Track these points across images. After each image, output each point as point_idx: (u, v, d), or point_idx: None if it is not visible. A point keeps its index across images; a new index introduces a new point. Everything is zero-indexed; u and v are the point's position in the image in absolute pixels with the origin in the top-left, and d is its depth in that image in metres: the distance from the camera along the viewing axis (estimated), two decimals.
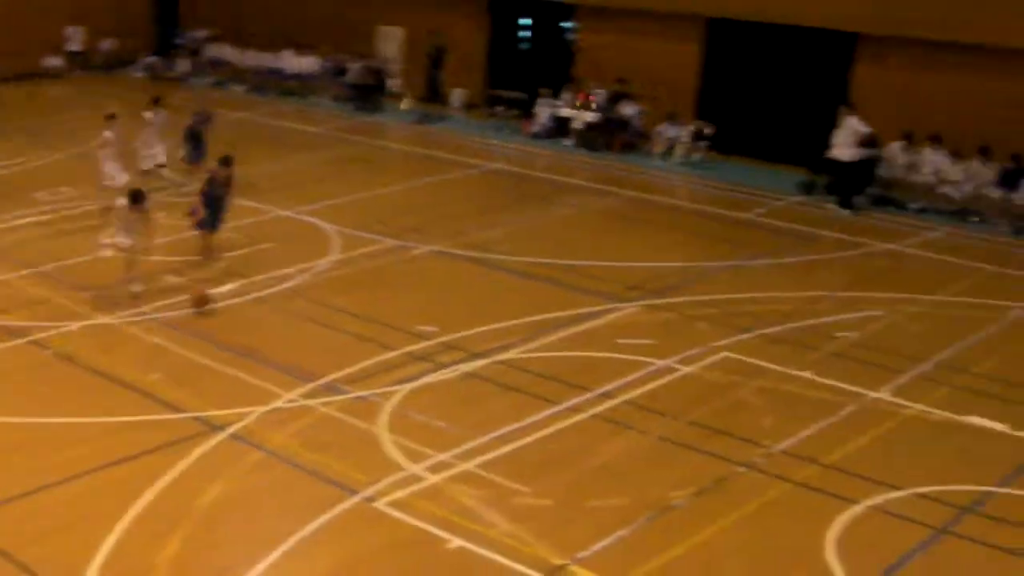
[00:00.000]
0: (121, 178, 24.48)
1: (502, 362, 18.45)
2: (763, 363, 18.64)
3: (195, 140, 27.32)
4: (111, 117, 25.13)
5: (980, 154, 27.22)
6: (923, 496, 14.88)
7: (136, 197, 20.21)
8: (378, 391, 17.24)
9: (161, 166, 26.97)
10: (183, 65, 42.82)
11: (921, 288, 22.27)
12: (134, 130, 26.35)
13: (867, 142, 27.54)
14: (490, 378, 17.86)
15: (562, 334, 19.60)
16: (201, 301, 19.97)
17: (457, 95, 38.04)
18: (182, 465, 14.97)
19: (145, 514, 13.91)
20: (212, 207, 21.98)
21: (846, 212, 27.29)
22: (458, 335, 19.20)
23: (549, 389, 17.55)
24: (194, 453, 15.27)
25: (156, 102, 27.44)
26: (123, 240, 20.18)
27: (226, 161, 22.30)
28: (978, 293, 22.23)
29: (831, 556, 13.64)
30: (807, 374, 18.35)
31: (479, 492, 14.68)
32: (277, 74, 40.89)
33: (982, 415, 17.08)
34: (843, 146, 27.46)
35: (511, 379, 17.87)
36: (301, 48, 40.40)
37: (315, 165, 30.21)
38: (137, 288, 20.28)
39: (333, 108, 38.30)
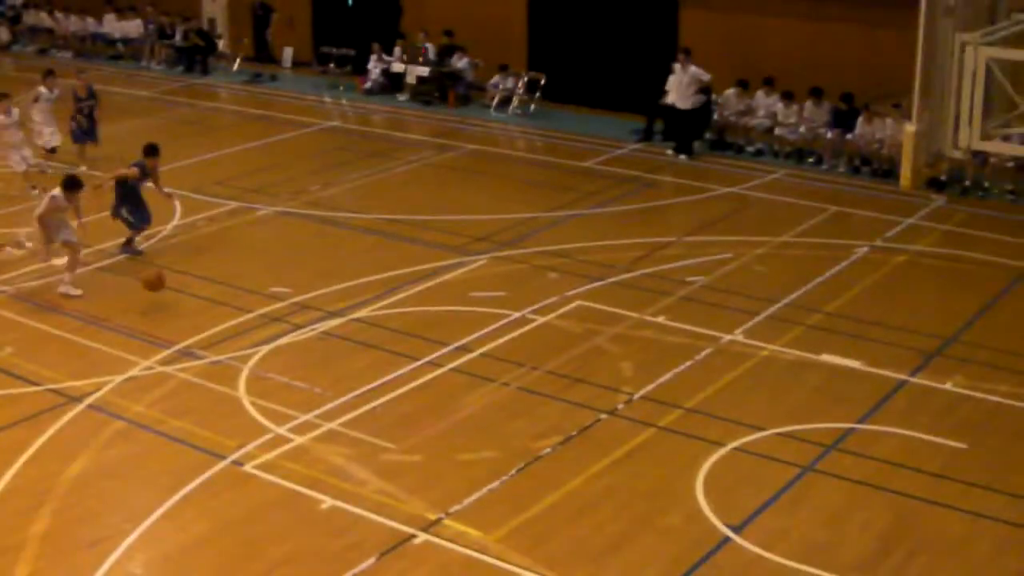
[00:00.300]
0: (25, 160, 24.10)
1: (358, 320, 18.36)
2: (617, 310, 18.79)
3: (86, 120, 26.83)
4: (4, 96, 24.29)
5: (813, 96, 27.67)
6: (786, 435, 15.16)
7: (72, 184, 19.33)
8: (236, 355, 17.06)
9: (53, 150, 26.34)
10: (3, 33, 41.52)
11: (766, 230, 22.62)
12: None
13: (704, 88, 27.82)
14: (347, 336, 17.76)
15: (415, 289, 19.55)
16: (156, 283, 18.92)
17: (287, 54, 37.52)
18: (42, 439, 14.66)
19: (9, 490, 13.64)
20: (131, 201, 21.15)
21: (684, 158, 27.55)
22: (311, 295, 19.05)
23: (407, 345, 17.50)
24: (54, 426, 14.95)
25: (49, 75, 26.83)
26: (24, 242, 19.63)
27: (152, 151, 21.43)
28: (822, 233, 22.66)
29: (701, 498, 13.83)
30: (661, 319, 18.55)
31: (346, 451, 14.63)
32: (102, 39, 39.88)
33: (835, 353, 17.45)
34: (683, 94, 27.61)
35: (368, 336, 17.79)
36: (122, 11, 39.46)
37: (147, 131, 29.49)
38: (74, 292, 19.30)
39: (162, 72, 37.53)
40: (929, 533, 13.33)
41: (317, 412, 15.49)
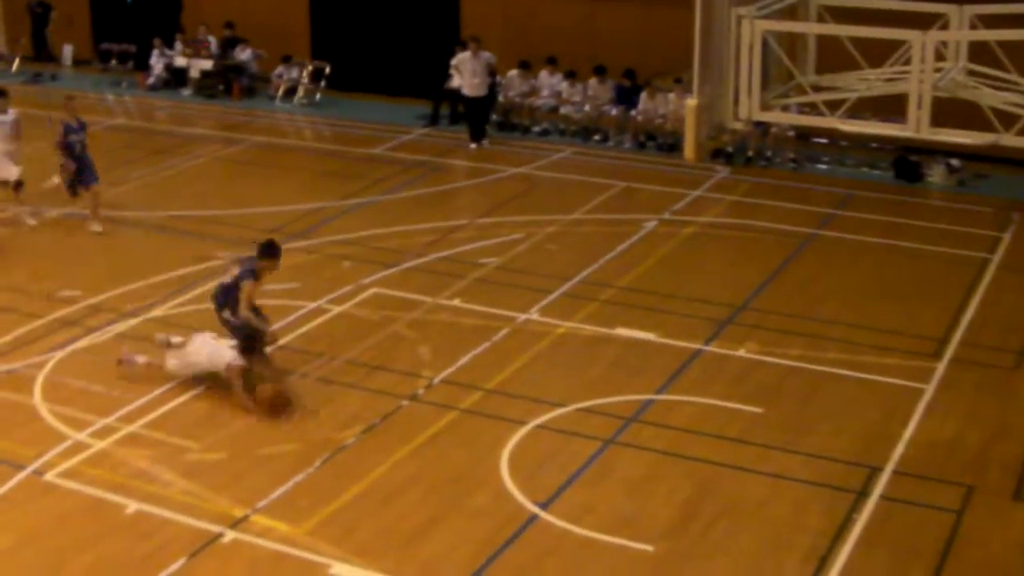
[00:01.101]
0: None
1: (154, 319, 18.06)
2: (412, 295, 18.83)
3: (77, 158, 22.22)
4: None
5: (596, 74, 28.02)
6: (587, 410, 15.38)
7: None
8: (29, 362, 16.66)
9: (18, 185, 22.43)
10: None
11: (556, 209, 22.88)
12: None
13: (490, 71, 27.94)
14: (144, 337, 17.46)
15: (209, 285, 19.24)
16: (277, 402, 15.47)
17: (67, 52, 36.62)
18: None
19: None
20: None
21: (474, 146, 27.58)
22: (104, 296, 18.68)
23: None
24: None
25: (2, 95, 22.25)
26: None
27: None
28: (611, 209, 23.01)
29: (507, 478, 13.96)
30: (456, 302, 18.65)
31: (149, 453, 14.42)
32: None
33: (630, 327, 17.75)
34: (477, 82, 27.51)
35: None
36: None
37: None
38: None
39: None
40: (731, 497, 13.66)
41: (117, 415, 15.21)
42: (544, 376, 16.39)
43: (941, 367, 16.62)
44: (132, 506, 13.37)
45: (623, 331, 17.64)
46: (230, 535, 12.89)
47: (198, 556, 12.55)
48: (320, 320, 18.10)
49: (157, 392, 15.77)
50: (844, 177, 25.34)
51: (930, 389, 16.00)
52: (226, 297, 15.61)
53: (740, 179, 24.93)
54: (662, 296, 18.86)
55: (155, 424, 15.05)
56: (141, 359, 16.12)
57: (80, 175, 22.10)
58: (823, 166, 25.98)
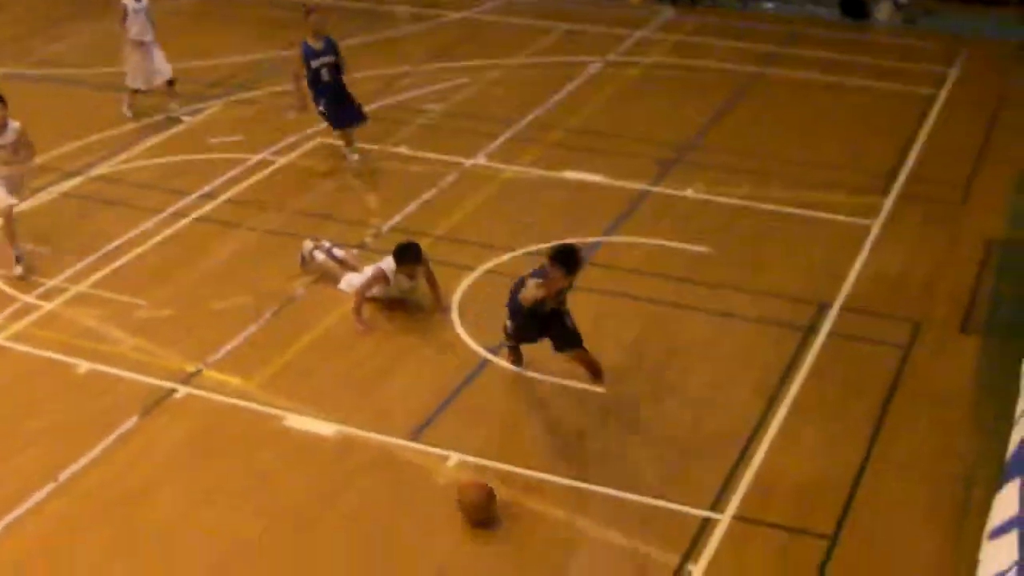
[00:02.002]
0: None
1: (97, 178, 17.87)
2: (359, 144, 18.62)
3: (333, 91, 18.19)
4: None
5: None
6: (536, 254, 15.31)
7: None
8: None
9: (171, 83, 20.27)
10: None
11: (500, 52, 22.68)
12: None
13: None
14: (88, 196, 17.29)
15: (152, 141, 19.12)
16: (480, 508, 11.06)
17: None
18: None
19: None
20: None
21: None
22: (46, 156, 18.32)
23: (149, 198, 17.14)
24: None
25: None
26: None
27: None
28: (556, 52, 22.84)
29: (457, 323, 14.01)
30: (403, 149, 18.53)
31: (98, 312, 14.33)
32: None
33: (578, 169, 17.71)
34: None
35: (109, 194, 17.34)
36: None
37: None
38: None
39: None
40: (681, 337, 13.76)
41: (64, 276, 15.08)
42: (492, 221, 16.36)
43: (888, 202, 16.69)
44: (83, 366, 13.32)
45: (570, 174, 17.60)
46: (183, 390, 12.89)
47: (151, 413, 12.56)
48: (266, 172, 17.96)
49: (105, 250, 15.62)
50: (789, 14, 25.18)
51: (877, 225, 16.09)
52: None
53: (685, 19, 24.76)
54: (608, 138, 18.80)
55: (103, 283, 14.94)
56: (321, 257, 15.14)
57: (336, 113, 18.11)
58: (768, 4, 25.83)
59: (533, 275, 12.02)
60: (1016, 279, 14.59)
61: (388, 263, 14.03)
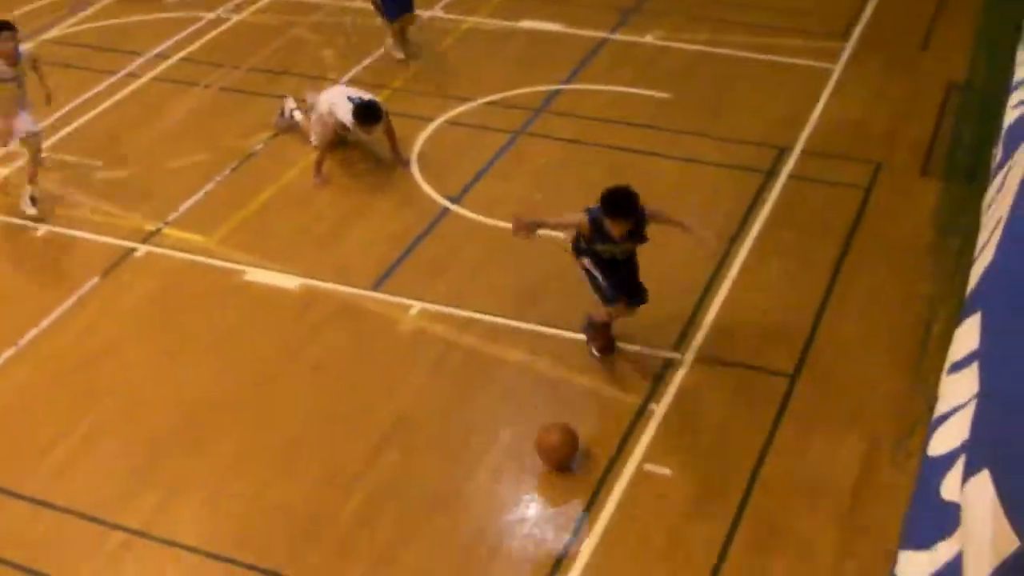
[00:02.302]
0: None
1: (49, 40, 17.58)
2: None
3: None
4: None
5: None
6: (495, 103, 15.29)
7: None
8: None
9: None
10: None
11: None
12: None
13: None
14: (41, 59, 16.96)
15: (102, 3, 18.78)
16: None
17: None
18: None
19: None
20: None
21: None
22: None
23: (102, 60, 16.92)
24: None
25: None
26: None
27: None
28: None
29: (417, 174, 13.95)
30: (358, 2, 18.26)
31: (56, 175, 14.18)
32: None
33: (535, 18, 17.53)
34: None
35: (63, 56, 17.02)
36: None
37: None
38: None
39: None
40: (643, 182, 13.46)
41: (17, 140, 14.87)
42: (451, 71, 16.27)
43: (849, 47, 16.61)
44: (42, 229, 13.24)
45: (528, 23, 17.43)
46: (143, 249, 12.84)
47: (112, 272, 12.51)
48: (220, 29, 17.74)
49: (60, 113, 15.41)
50: None
51: (838, 69, 16.02)
52: None
53: None
54: None
55: (59, 146, 14.77)
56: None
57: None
58: None
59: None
60: (976, 122, 14.56)
61: (345, 111, 13.83)
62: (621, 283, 10.68)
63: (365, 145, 14.29)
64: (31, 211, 13.30)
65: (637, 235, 10.47)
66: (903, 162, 13.95)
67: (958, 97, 15.22)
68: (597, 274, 10.64)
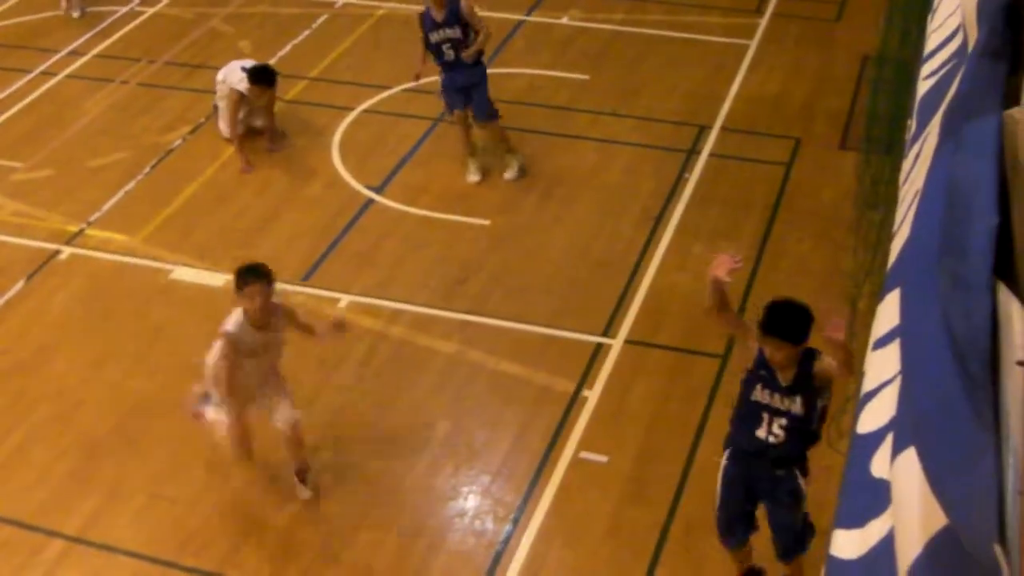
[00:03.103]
0: None
1: None
2: None
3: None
4: None
5: None
6: (413, 91, 15.08)
7: None
8: None
9: None
10: None
11: None
12: None
13: None
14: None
15: (10, 2, 18.53)
16: None
17: None
18: None
19: None
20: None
21: None
22: None
23: (16, 58, 16.75)
24: None
25: None
26: None
27: None
28: None
29: (339, 165, 13.94)
30: None
31: None
32: None
33: None
34: None
35: None
36: None
37: None
38: None
39: None
40: (563, 166, 13.79)
41: None
42: (367, 60, 16.22)
43: (763, 22, 16.75)
44: None
45: None
46: (67, 251, 12.76)
47: (37, 276, 12.43)
48: (135, 23, 17.59)
49: None
50: None
51: (753, 45, 16.16)
52: None
53: None
54: None
55: None
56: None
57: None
58: None
59: None
60: (891, 94, 14.73)
61: (239, 80, 13.88)
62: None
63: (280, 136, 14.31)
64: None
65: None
66: (822, 136, 14.13)
67: (874, 69, 15.38)
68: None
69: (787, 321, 7.54)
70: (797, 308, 7.55)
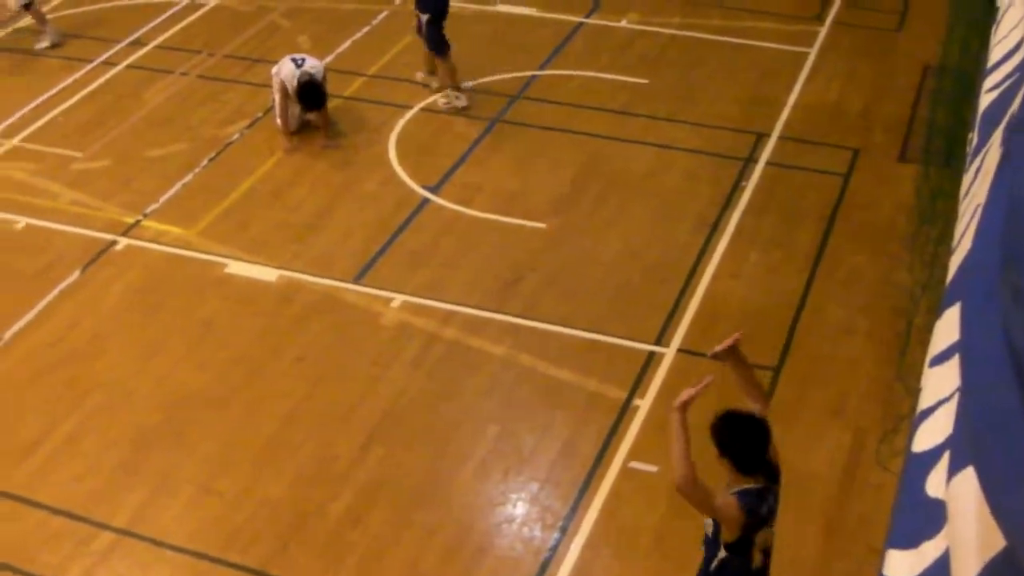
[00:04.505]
0: None
1: (22, 30, 17.43)
2: None
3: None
4: None
5: None
6: (472, 90, 15.24)
7: None
8: None
9: None
10: None
11: None
12: None
13: None
14: (11, 47, 16.92)
15: None
16: None
17: None
18: None
19: None
20: None
21: None
22: None
23: (77, 48, 16.82)
24: None
25: None
26: None
27: None
28: None
29: (395, 163, 13.94)
30: None
31: (33, 166, 14.14)
32: None
33: (510, 2, 17.51)
34: None
35: (35, 44, 16.95)
36: None
37: None
38: None
39: None
40: (620, 169, 13.75)
41: None
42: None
43: (823, 30, 16.64)
44: (22, 222, 13.19)
45: (503, 7, 17.41)
46: (123, 242, 12.81)
47: (93, 266, 12.48)
48: (195, 16, 17.65)
49: (36, 102, 15.36)
50: None
51: (813, 53, 16.05)
52: None
53: None
54: None
55: (36, 136, 14.73)
56: None
57: None
58: None
59: None
60: (952, 105, 14.61)
61: (289, 76, 14.08)
62: None
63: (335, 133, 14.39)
64: None
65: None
66: (881, 147, 14.02)
67: (934, 79, 15.27)
68: None
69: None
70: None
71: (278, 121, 14.31)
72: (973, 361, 8.13)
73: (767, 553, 7.27)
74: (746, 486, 7.05)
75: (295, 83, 13.98)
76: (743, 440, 7.03)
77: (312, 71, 14.03)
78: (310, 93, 13.95)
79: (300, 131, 14.38)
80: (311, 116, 14.40)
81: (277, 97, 14.24)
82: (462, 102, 14.88)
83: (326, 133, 14.32)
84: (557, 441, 10.16)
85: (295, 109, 14.28)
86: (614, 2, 17.54)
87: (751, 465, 7.02)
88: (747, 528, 7.02)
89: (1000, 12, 12.09)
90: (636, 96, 15.14)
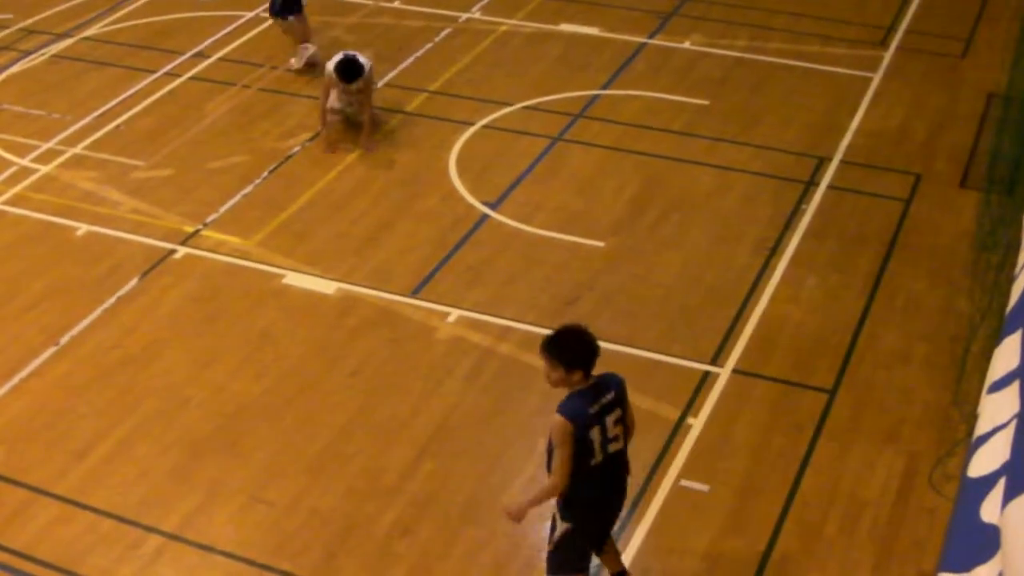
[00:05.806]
0: None
1: (88, 39, 17.61)
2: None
3: None
4: None
5: None
6: (533, 108, 15.28)
7: None
8: None
9: None
10: None
11: None
12: None
13: None
14: (79, 57, 17.08)
15: (141, 1, 18.81)
16: None
17: None
18: None
19: None
20: None
21: None
22: (35, 19, 18.13)
23: (141, 58, 16.96)
24: None
25: None
26: None
27: None
28: None
29: (456, 179, 13.96)
30: (396, 4, 18.30)
31: (95, 174, 14.26)
32: None
33: (573, 21, 17.50)
34: None
35: (101, 54, 17.12)
36: None
37: None
38: None
39: None
40: (680, 190, 13.72)
41: (59, 138, 14.97)
42: (489, 75, 16.21)
43: (888, 55, 16.54)
44: (82, 228, 13.28)
45: (566, 26, 17.40)
46: (182, 251, 12.88)
47: (151, 274, 12.56)
48: (258, 30, 17.73)
49: (99, 111, 15.51)
50: None
51: (877, 78, 15.95)
52: None
53: None
54: None
55: (99, 144, 14.84)
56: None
57: None
58: None
59: None
60: (1016, 133, 14.48)
61: (333, 64, 14.40)
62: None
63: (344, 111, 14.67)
64: None
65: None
66: (943, 173, 13.90)
67: (998, 107, 15.14)
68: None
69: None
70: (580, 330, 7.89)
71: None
72: None
73: (609, 452, 7.87)
74: (572, 391, 7.80)
75: (335, 62, 14.27)
76: (563, 337, 7.87)
77: (354, 54, 14.36)
78: (348, 67, 14.18)
79: (347, 130, 14.68)
80: (350, 111, 14.76)
81: (322, 97, 14.56)
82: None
83: (368, 133, 14.38)
84: None
85: (339, 102, 14.58)
86: (679, 23, 17.53)
87: (573, 360, 7.77)
88: (580, 430, 7.65)
89: None
90: (698, 117, 15.10)
